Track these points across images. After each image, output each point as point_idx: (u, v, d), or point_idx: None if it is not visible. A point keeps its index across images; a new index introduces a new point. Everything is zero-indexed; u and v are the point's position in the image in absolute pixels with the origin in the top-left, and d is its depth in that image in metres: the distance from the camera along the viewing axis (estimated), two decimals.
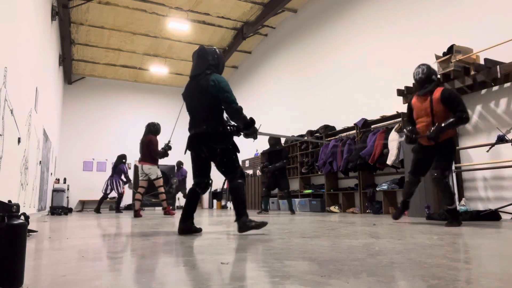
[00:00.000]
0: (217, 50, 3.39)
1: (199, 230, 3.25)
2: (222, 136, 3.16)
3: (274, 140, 7.79)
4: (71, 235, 3.35)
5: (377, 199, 7.19)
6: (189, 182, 12.10)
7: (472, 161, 5.55)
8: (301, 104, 10.25)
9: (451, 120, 3.76)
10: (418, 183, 4.21)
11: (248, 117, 3.20)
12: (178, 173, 12.12)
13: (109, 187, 10.43)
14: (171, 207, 6.97)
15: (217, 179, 15.24)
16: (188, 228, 3.17)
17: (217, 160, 3.19)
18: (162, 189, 7.02)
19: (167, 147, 6.91)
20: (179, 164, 12.31)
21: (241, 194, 3.14)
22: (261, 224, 3.07)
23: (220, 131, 3.15)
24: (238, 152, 3.29)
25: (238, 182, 3.14)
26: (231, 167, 3.20)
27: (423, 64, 4.09)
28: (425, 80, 3.98)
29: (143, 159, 6.96)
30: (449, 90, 3.94)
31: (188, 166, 12.30)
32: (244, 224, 2.99)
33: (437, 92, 3.88)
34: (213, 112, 3.16)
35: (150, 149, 6.89)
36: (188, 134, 3.27)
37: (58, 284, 1.30)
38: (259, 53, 13.30)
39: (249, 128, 3.22)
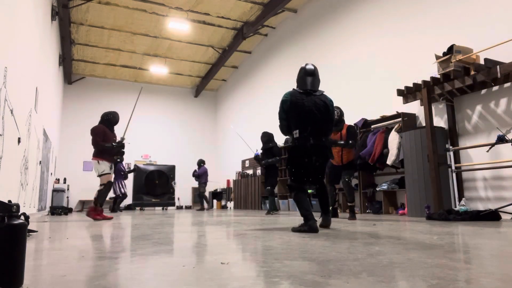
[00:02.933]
0: None
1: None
2: (330, 150, 3.77)
3: (266, 137, 7.82)
4: (71, 235, 3.35)
5: (377, 199, 7.20)
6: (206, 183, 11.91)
7: (472, 161, 5.55)
8: None
9: (342, 142, 5.21)
10: (335, 190, 5.89)
11: None
12: (200, 170, 11.88)
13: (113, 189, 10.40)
14: (103, 211, 5.93)
15: (217, 179, 15.18)
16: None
17: (323, 168, 3.73)
18: (99, 188, 5.85)
19: (120, 143, 6.08)
20: (200, 162, 12.08)
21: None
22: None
23: (328, 146, 3.76)
24: None
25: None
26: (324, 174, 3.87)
27: (337, 107, 5.24)
28: (338, 120, 5.29)
29: (93, 154, 6.07)
30: (352, 127, 5.40)
31: (209, 165, 12.20)
32: (330, 221, 3.69)
33: (344, 129, 5.36)
34: (327, 128, 3.67)
35: (93, 140, 5.99)
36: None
37: (58, 284, 1.30)
38: (259, 53, 13.30)
39: None
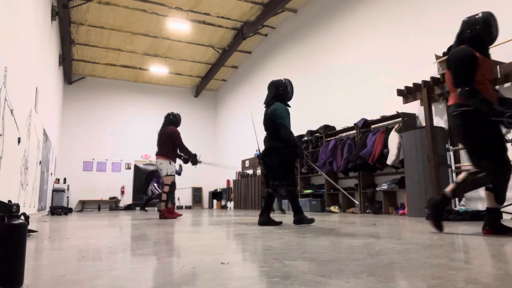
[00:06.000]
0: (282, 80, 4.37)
1: (278, 223, 4.08)
2: (277, 151, 4.21)
3: None
4: (71, 235, 3.36)
5: (377, 199, 7.20)
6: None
7: None
8: (301, 104, 10.25)
9: None
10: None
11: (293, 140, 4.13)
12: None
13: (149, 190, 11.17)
14: (174, 208, 6.23)
15: (217, 179, 15.18)
16: (265, 220, 4.10)
17: (271, 170, 4.31)
18: (166, 188, 6.20)
19: (196, 160, 6.44)
20: None
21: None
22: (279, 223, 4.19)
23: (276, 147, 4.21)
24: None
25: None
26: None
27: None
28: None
29: (158, 152, 6.33)
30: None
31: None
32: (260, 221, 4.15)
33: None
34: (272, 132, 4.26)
35: (173, 141, 6.27)
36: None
37: (58, 284, 1.30)
38: (259, 53, 13.30)
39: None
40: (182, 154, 6.57)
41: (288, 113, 4.22)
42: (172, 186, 6.23)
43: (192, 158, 6.51)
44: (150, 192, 11.19)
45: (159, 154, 6.31)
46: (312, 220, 4.01)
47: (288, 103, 4.43)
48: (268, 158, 4.25)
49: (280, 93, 4.30)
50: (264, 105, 4.43)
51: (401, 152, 6.19)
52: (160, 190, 10.72)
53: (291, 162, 4.20)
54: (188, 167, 12.10)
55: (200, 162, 6.62)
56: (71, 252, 2.13)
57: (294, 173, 4.31)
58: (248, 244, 2.43)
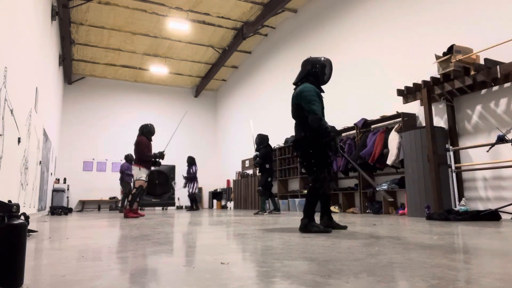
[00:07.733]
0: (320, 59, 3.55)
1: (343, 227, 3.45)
2: (304, 143, 3.47)
3: (259, 139, 8.23)
4: (71, 235, 3.35)
5: (377, 199, 7.19)
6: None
7: (472, 161, 5.55)
8: None
9: None
10: None
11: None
12: (195, 169, 11.62)
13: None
14: (131, 210, 6.63)
15: (217, 179, 15.19)
16: (327, 224, 3.46)
17: (303, 164, 3.58)
18: (134, 191, 6.88)
19: (160, 155, 6.99)
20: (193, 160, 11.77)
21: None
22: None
23: (302, 137, 3.48)
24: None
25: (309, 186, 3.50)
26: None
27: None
28: None
29: (134, 161, 7.11)
30: None
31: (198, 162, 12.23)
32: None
33: None
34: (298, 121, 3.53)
35: (139, 150, 6.92)
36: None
37: (58, 284, 1.30)
38: (259, 53, 13.30)
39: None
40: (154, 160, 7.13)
41: (319, 96, 3.43)
42: (139, 189, 6.80)
43: (158, 159, 7.10)
44: (192, 190, 11.38)
45: (134, 162, 7.07)
46: (325, 230, 3.20)
47: (323, 87, 3.62)
48: (297, 151, 3.56)
49: (314, 71, 3.50)
50: (293, 85, 3.67)
51: (401, 152, 6.19)
52: (191, 189, 11.39)
53: (321, 155, 3.38)
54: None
55: (163, 152, 7.22)
56: (71, 252, 2.13)
57: (326, 168, 3.40)
58: (248, 244, 2.43)
